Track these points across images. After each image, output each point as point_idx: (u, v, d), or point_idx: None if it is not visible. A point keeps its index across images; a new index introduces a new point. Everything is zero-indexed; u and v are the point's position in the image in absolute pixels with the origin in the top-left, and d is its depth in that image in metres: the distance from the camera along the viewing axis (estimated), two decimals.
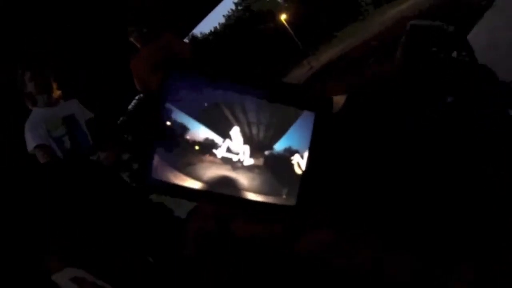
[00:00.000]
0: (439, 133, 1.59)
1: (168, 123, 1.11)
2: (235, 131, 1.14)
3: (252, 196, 1.18)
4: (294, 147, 1.23)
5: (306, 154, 1.22)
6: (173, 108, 1.11)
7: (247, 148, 1.15)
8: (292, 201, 1.23)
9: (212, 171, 1.13)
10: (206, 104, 1.12)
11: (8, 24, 2.58)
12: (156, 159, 1.13)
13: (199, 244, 1.20)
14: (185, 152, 1.13)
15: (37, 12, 2.65)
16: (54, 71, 2.74)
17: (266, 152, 1.18)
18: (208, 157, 1.13)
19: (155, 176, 1.14)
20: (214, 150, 1.13)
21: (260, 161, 1.18)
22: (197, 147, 1.12)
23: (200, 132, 1.12)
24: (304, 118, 1.24)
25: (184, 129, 1.12)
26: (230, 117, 1.14)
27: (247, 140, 1.15)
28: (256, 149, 1.17)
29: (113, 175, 2.11)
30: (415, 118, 1.72)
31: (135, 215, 2.00)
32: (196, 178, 1.14)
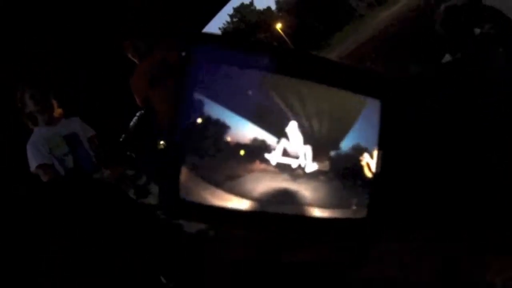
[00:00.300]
0: (440, 124, 1.24)
1: (199, 120, 0.69)
2: (293, 127, 0.72)
3: (317, 213, 0.76)
4: (363, 144, 0.80)
5: (375, 153, 0.81)
6: (204, 99, 0.69)
7: (308, 149, 0.74)
8: (362, 213, 0.82)
9: (265, 184, 0.71)
10: (250, 92, 0.71)
11: (8, 24, 2.13)
12: (185, 173, 0.70)
13: (236, 276, 0.78)
14: (225, 161, 0.70)
15: (37, 12, 2.21)
16: (54, 89, 2.28)
17: (332, 153, 0.77)
18: (258, 165, 0.71)
19: (184, 196, 0.71)
20: (266, 155, 0.70)
21: (326, 165, 0.75)
22: (242, 152, 0.70)
23: (245, 130, 0.70)
24: (370, 107, 0.84)
25: (223, 127, 0.70)
26: (284, 108, 0.73)
27: (308, 138, 0.72)
28: (319, 150, 0.73)
29: (118, 192, 1.67)
30: (416, 108, 1.37)
31: (142, 233, 1.57)
32: (243, 195, 0.71)
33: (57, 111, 2.34)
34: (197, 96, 0.69)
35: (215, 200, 0.71)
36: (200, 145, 0.69)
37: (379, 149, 0.80)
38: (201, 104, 0.69)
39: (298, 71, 0.72)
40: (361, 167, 0.79)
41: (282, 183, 0.72)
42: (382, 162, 0.80)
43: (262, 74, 0.70)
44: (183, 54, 0.70)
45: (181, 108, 0.69)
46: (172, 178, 0.71)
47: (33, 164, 2.20)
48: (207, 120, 0.69)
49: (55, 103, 2.33)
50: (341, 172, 0.76)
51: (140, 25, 2.47)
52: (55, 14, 2.32)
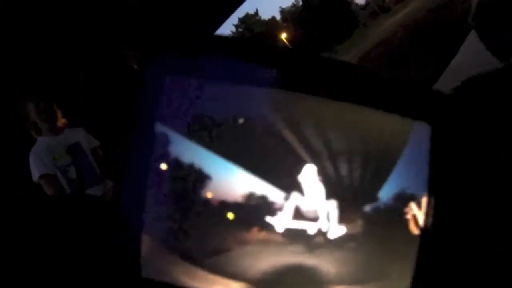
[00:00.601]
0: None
1: (163, 167, 0.41)
2: (309, 175, 0.43)
3: None
4: (409, 190, 0.46)
5: (424, 200, 0.53)
6: (169, 133, 0.41)
7: (333, 205, 0.44)
8: (404, 284, 0.55)
9: (268, 260, 0.42)
10: (241, 121, 0.43)
11: (8, 24, 1.91)
12: (148, 243, 0.43)
13: None
14: (205, 228, 0.43)
15: (37, 12, 1.98)
16: (58, 99, 2.03)
17: (367, 208, 0.47)
18: (256, 234, 0.42)
19: (148, 274, 0.44)
20: (268, 219, 0.43)
21: (357, 227, 0.43)
22: (230, 216, 0.42)
23: (234, 182, 0.41)
24: (417, 136, 0.56)
25: (200, 178, 0.42)
26: (296, 144, 0.45)
27: (332, 189, 0.40)
28: (349, 205, 0.41)
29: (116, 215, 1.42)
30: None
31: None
32: (235, 276, 0.43)
33: (61, 121, 2.09)
34: (159, 129, 0.42)
35: (194, 282, 0.44)
36: (167, 205, 0.42)
37: (430, 195, 0.53)
38: (165, 141, 0.42)
39: (315, 85, 0.44)
40: (406, 223, 0.51)
41: (293, 257, 0.43)
42: (434, 212, 0.53)
43: (259, 92, 0.43)
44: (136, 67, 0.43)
45: (134, 149, 0.42)
46: (130, 250, 0.44)
47: (35, 174, 1.96)
48: (175, 166, 0.42)
49: (59, 112, 2.09)
50: (378, 234, 0.48)
51: (140, 25, 2.21)
52: (55, 14, 2.08)
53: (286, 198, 0.39)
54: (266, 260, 0.40)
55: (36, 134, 2.05)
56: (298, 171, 0.40)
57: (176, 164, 0.37)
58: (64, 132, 2.06)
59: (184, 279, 0.41)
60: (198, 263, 0.40)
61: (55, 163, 1.99)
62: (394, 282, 0.50)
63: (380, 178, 0.46)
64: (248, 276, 0.41)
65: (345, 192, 0.42)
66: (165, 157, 0.37)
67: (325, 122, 0.41)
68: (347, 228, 0.44)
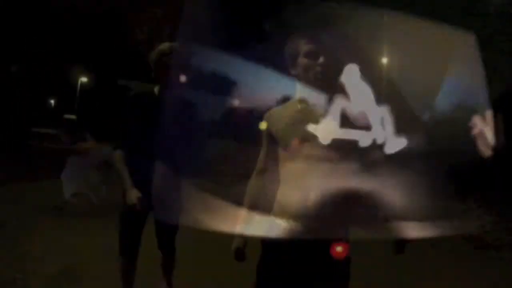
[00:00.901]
0: None
1: (183, 78, 0.32)
2: (352, 75, 0.34)
3: (413, 232, 0.35)
4: (469, 102, 0.35)
5: (488, 114, 0.40)
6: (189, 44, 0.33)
7: (386, 112, 0.32)
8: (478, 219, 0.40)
9: (313, 185, 0.32)
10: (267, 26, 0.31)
11: (8, 24, 1.91)
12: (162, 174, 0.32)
13: None
14: (229, 144, 0.28)
15: (37, 12, 1.99)
16: (83, 119, 2.04)
17: (426, 117, 0.32)
18: (296, 148, 0.33)
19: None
20: (310, 127, 0.32)
21: (419, 140, 0.30)
22: (263, 126, 0.33)
23: (264, 84, 0.25)
24: (463, 45, 0.44)
25: (223, 85, 0.27)
26: (332, 42, 0.36)
27: (383, 94, 0.27)
28: (404, 113, 0.34)
29: None
30: None
31: None
32: (267, 209, 0.33)
33: (89, 142, 2.11)
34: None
35: (210, 220, 0.33)
36: (184, 124, 0.33)
37: (495, 108, 0.40)
38: (185, 52, 0.33)
39: None
40: (474, 140, 0.38)
41: (346, 179, 0.32)
42: (504, 127, 0.39)
43: None
44: None
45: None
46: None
47: (67, 193, 1.93)
48: (194, 75, 0.33)
49: (87, 133, 2.12)
50: (445, 152, 0.36)
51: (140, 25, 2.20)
52: (55, 14, 2.10)
53: (329, 101, 0.29)
54: (311, 186, 0.29)
55: (66, 156, 2.04)
56: (338, 71, 0.30)
57: (195, 73, 0.29)
58: (93, 151, 2.04)
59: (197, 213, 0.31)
60: (216, 194, 0.30)
61: (86, 181, 1.95)
62: (466, 218, 0.37)
63: (433, 85, 0.35)
64: (287, 210, 0.29)
65: (397, 97, 0.32)
66: (185, 67, 0.29)
67: (363, 21, 0.32)
68: (407, 140, 0.32)
